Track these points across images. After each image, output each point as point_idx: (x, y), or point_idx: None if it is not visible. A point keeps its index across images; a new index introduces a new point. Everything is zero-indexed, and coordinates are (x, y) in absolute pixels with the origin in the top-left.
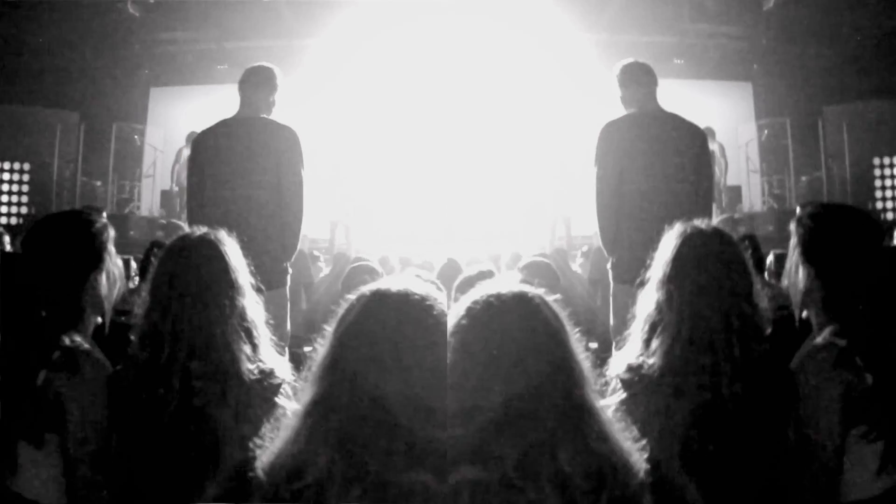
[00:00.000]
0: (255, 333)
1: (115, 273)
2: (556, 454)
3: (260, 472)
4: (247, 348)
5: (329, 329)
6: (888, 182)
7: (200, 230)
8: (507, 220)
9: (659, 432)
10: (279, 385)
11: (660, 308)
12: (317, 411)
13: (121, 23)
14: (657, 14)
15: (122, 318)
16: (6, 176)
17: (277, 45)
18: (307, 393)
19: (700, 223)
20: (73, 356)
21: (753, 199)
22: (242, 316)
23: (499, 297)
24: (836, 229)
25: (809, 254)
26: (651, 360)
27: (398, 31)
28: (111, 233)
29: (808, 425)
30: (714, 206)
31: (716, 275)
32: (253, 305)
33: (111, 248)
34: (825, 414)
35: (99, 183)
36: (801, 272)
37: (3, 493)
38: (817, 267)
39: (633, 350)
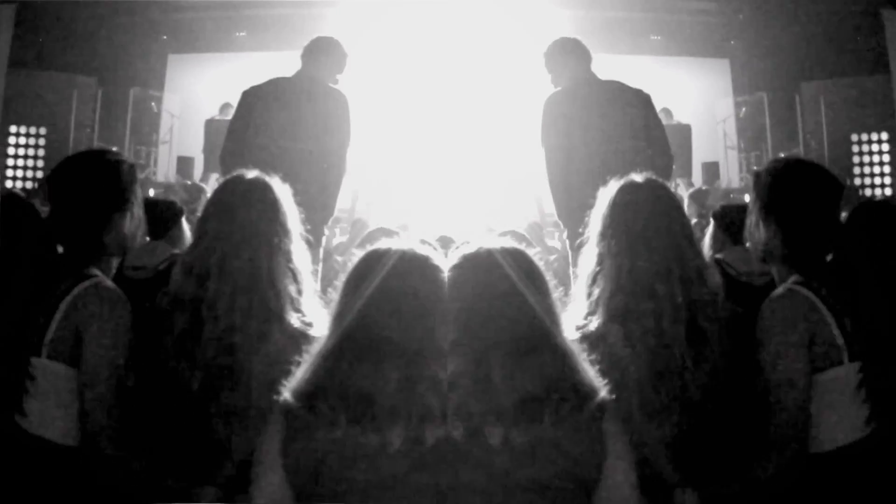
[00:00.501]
0: (299, 279)
1: (139, 216)
2: (534, 374)
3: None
4: (292, 290)
5: (341, 280)
6: (866, 158)
7: (254, 172)
8: (489, 198)
9: (615, 385)
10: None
11: (600, 261)
12: (330, 347)
13: None
14: None
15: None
16: (22, 140)
17: (297, 13)
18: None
19: (635, 175)
20: (95, 290)
21: (731, 175)
22: (289, 259)
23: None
24: (794, 183)
25: (769, 208)
26: (595, 316)
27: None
28: (137, 175)
29: (772, 372)
30: (683, 180)
31: (651, 222)
32: (301, 252)
33: (137, 190)
34: (789, 360)
35: (115, 148)
36: (762, 227)
37: (9, 428)
38: (777, 220)
39: (579, 309)
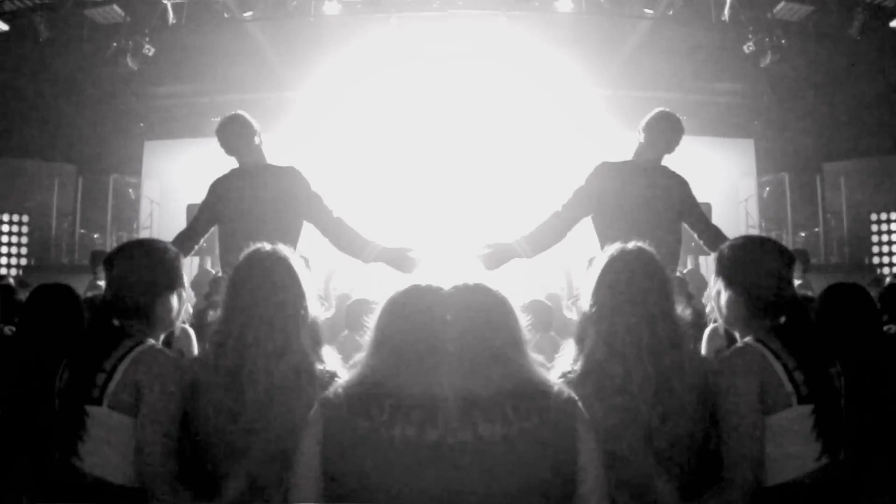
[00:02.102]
0: (318, 332)
1: (184, 297)
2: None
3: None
4: (318, 350)
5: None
6: (885, 237)
7: (267, 247)
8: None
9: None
10: (331, 378)
11: (586, 320)
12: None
13: (117, 77)
14: (659, 71)
15: None
16: (6, 228)
17: (269, 97)
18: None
19: (629, 244)
20: (153, 352)
21: None
22: (309, 317)
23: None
24: (750, 256)
25: (730, 279)
26: (577, 366)
27: (390, 76)
28: (182, 261)
29: (725, 415)
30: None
31: (630, 289)
32: (316, 307)
33: (182, 275)
34: (740, 406)
35: (97, 235)
36: (723, 295)
37: (66, 469)
38: (735, 289)
39: (568, 358)
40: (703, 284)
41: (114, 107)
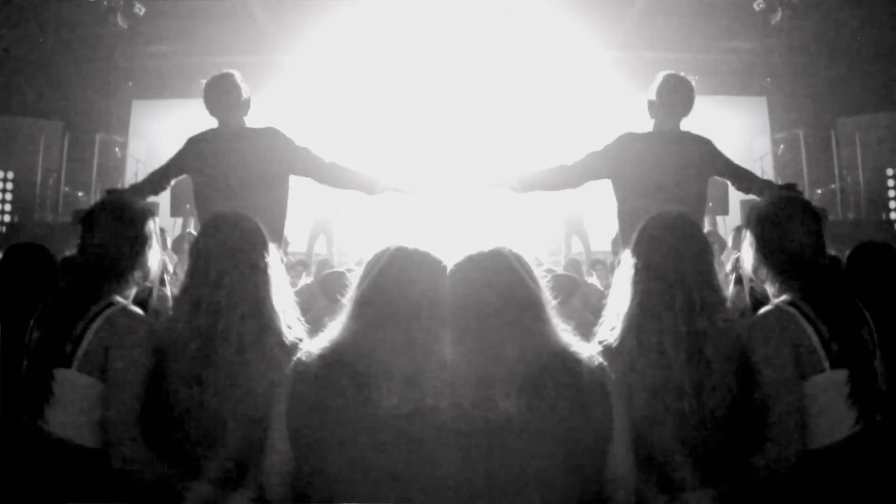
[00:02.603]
0: (286, 301)
1: (157, 253)
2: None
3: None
4: (285, 313)
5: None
6: None
7: (230, 210)
8: (519, 229)
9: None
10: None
11: (625, 285)
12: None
13: (106, 35)
14: (669, 32)
15: None
16: None
17: (259, 60)
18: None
19: (670, 210)
20: (123, 313)
21: None
22: (278, 284)
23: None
24: (779, 218)
25: (761, 241)
26: (616, 330)
27: (388, 41)
28: (155, 219)
29: (761, 377)
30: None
31: (670, 253)
32: (283, 276)
33: (153, 232)
34: (775, 365)
35: (81, 193)
36: (754, 257)
37: (32, 430)
38: (767, 251)
39: (607, 325)
40: (723, 245)
41: (102, 65)
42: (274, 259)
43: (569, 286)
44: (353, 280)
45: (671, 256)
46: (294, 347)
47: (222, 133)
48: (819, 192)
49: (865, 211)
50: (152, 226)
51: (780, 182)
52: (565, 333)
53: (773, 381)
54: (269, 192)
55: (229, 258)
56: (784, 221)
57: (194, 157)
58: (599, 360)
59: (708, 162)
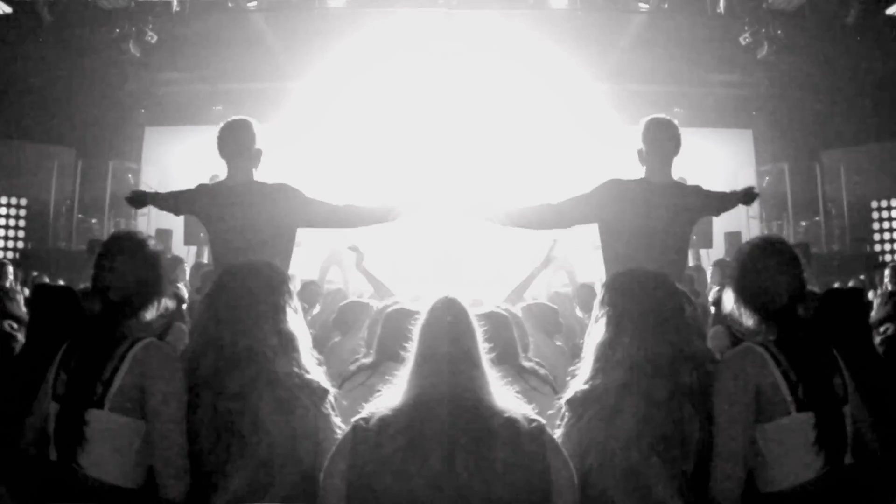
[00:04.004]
0: (295, 346)
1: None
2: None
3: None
4: (289, 357)
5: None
6: (885, 224)
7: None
8: (506, 264)
9: (603, 438)
10: (324, 394)
11: (609, 335)
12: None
13: (119, 62)
14: (657, 64)
15: None
16: (3, 211)
17: (271, 87)
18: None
19: (642, 269)
20: (156, 348)
21: None
22: (290, 328)
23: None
24: (759, 265)
25: (738, 286)
26: (597, 381)
27: (392, 69)
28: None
29: (718, 416)
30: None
31: (648, 310)
32: (295, 322)
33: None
34: (732, 408)
35: (95, 220)
36: (731, 300)
37: (66, 472)
38: (744, 296)
39: (583, 375)
40: (706, 280)
41: (115, 92)
42: (295, 302)
43: (550, 319)
44: (415, 331)
45: (650, 320)
46: (321, 390)
47: (232, 189)
48: (803, 224)
49: (850, 243)
50: (166, 262)
51: (764, 215)
52: (499, 390)
53: (724, 414)
54: (283, 247)
55: (252, 299)
56: (762, 266)
57: (202, 206)
58: (536, 420)
59: (697, 209)
